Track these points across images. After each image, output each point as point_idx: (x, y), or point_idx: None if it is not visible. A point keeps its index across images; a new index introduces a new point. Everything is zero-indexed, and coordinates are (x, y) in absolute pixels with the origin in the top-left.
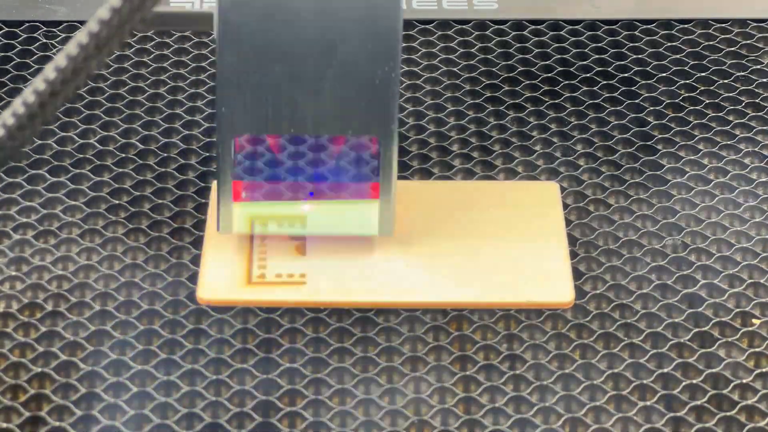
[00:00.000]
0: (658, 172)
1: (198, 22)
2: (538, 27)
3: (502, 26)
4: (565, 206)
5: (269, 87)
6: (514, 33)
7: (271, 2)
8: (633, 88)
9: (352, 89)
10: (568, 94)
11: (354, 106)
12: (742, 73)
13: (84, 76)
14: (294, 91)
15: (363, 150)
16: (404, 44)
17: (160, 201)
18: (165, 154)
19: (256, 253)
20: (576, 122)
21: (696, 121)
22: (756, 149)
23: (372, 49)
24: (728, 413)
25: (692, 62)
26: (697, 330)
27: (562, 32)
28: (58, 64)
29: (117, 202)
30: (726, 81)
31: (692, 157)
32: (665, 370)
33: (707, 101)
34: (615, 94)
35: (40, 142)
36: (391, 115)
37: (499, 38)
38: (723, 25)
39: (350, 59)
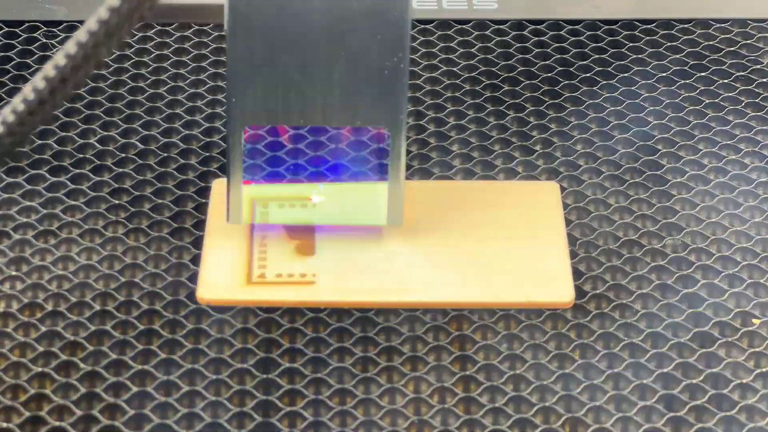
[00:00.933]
0: (658, 172)
1: (208, 13)
2: (538, 27)
3: (502, 26)
4: (565, 206)
5: (279, 78)
6: (514, 33)
7: None
8: (633, 88)
9: (361, 80)
10: (568, 94)
11: (363, 96)
12: (742, 73)
13: (93, 65)
14: (304, 82)
15: (373, 142)
16: None
17: (160, 201)
18: (165, 154)
19: (257, 253)
20: (576, 122)
21: (696, 121)
22: (756, 149)
23: (381, 39)
24: (728, 413)
25: (692, 62)
26: (697, 330)
27: (562, 32)
28: (68, 51)
29: (117, 202)
30: (726, 81)
31: (692, 157)
32: (665, 370)
33: (707, 101)
34: (615, 94)
35: (40, 142)
36: (400, 106)
37: (499, 38)
38: (723, 25)
39: (359, 50)
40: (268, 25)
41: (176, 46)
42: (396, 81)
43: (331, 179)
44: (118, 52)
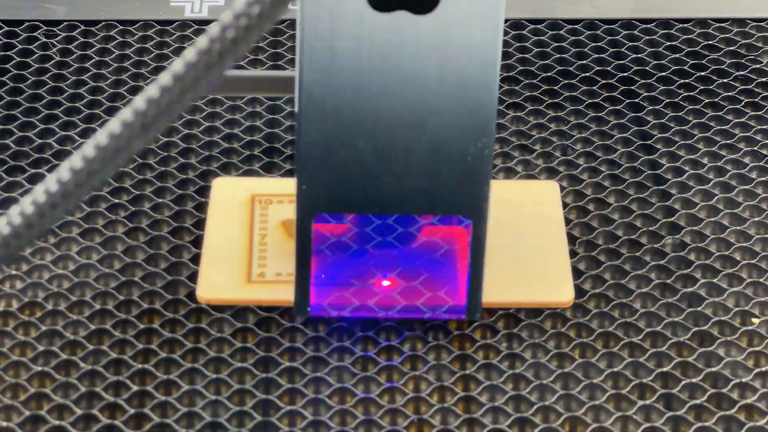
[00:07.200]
0: (658, 171)
1: (276, 86)
2: (537, 26)
3: None
4: (565, 205)
5: (353, 164)
6: (513, 32)
7: (358, 74)
8: (632, 88)
9: (442, 167)
10: (567, 94)
11: (443, 184)
12: (741, 73)
13: (130, 151)
14: (380, 169)
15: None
16: None
17: (160, 200)
18: (165, 154)
19: (257, 252)
20: (575, 121)
21: (695, 120)
22: (755, 148)
23: (465, 124)
24: (727, 412)
25: (691, 61)
26: (696, 329)
27: (561, 32)
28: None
29: (117, 201)
30: (725, 80)
31: (691, 157)
32: (665, 369)
33: (706, 100)
34: (614, 93)
35: (40, 141)
36: (484, 193)
37: None
38: (722, 24)
39: (441, 135)
40: (343, 107)
41: (176, 45)
42: (480, 168)
43: (402, 268)
44: (118, 52)
